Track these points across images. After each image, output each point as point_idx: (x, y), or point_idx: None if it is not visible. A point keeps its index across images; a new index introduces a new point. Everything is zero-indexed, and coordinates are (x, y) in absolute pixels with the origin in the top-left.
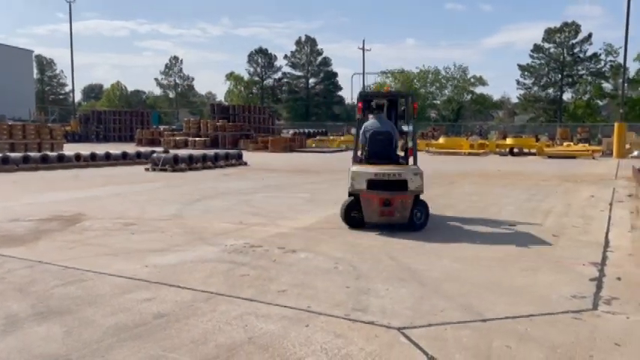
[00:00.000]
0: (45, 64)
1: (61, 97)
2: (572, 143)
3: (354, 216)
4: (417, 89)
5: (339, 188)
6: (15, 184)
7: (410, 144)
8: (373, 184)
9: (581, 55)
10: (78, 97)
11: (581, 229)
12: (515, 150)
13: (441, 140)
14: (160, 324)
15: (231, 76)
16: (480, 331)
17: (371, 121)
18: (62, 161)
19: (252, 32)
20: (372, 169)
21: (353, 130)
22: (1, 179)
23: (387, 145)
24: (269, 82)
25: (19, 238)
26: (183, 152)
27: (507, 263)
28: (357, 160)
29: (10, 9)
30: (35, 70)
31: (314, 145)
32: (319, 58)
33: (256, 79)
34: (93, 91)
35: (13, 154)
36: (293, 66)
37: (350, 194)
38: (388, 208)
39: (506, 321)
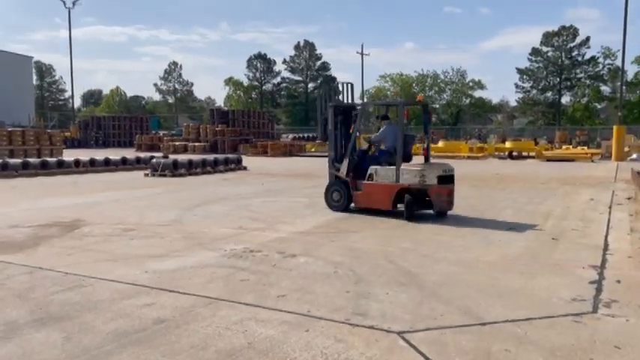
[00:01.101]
0: (44, 70)
1: (60, 102)
2: (570, 146)
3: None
4: (416, 93)
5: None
6: (14, 190)
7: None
8: (441, 179)
9: (580, 59)
10: (77, 102)
11: (581, 231)
12: (515, 153)
13: (440, 144)
14: (160, 329)
15: (230, 81)
16: (479, 335)
17: (394, 126)
18: (61, 167)
19: (250, 37)
20: (432, 167)
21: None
22: (0, 185)
23: (411, 146)
24: (268, 86)
25: (19, 244)
26: (182, 157)
27: (506, 266)
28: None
29: (9, 15)
30: (34, 76)
31: (313, 149)
32: (318, 63)
33: (255, 84)
34: (92, 97)
35: (12, 160)
36: (292, 71)
37: (335, 179)
38: (450, 198)
39: (506, 324)
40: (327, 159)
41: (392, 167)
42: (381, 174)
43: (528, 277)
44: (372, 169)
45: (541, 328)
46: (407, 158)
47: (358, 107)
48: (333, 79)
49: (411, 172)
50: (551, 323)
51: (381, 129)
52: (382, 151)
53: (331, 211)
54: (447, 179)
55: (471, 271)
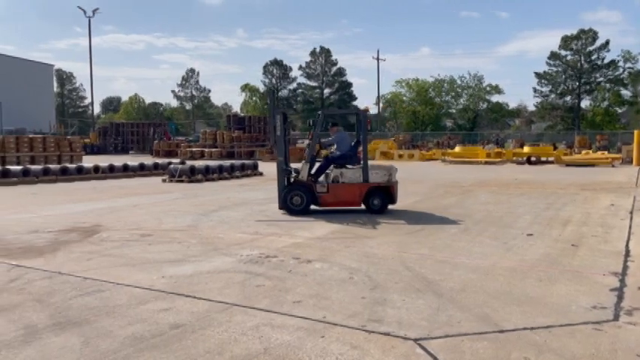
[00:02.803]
0: (65, 78)
1: (80, 109)
2: (590, 151)
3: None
4: (432, 98)
5: None
6: (35, 196)
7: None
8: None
9: (599, 62)
10: (97, 109)
11: (601, 238)
12: (533, 158)
13: (457, 149)
14: (177, 334)
15: (246, 87)
16: (497, 343)
17: (345, 133)
18: (81, 173)
19: (266, 44)
20: (392, 168)
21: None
22: (21, 191)
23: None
24: (284, 92)
25: (39, 249)
26: (199, 163)
27: (524, 273)
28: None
29: (32, 25)
30: (55, 84)
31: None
32: (334, 69)
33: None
34: (111, 104)
35: (33, 167)
36: (308, 77)
37: (293, 182)
38: (396, 192)
39: (524, 332)
40: None
41: (358, 168)
42: (348, 175)
43: (547, 284)
44: (336, 171)
45: (561, 336)
46: (357, 161)
47: (318, 114)
48: (350, 84)
49: (379, 172)
50: (572, 331)
51: (334, 135)
52: (340, 155)
53: (346, 216)
54: None
55: (488, 278)
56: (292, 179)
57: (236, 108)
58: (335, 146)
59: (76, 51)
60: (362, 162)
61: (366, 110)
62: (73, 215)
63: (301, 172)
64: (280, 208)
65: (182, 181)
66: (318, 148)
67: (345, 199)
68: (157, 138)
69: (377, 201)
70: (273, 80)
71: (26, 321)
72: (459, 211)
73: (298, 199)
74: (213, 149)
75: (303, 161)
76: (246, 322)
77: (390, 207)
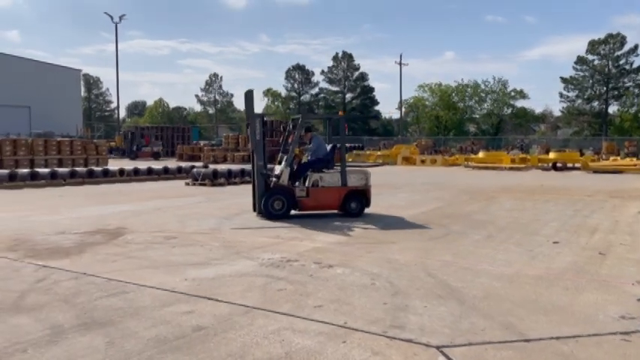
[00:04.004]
0: (92, 83)
1: (106, 113)
2: (618, 157)
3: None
4: (455, 103)
5: (375, 204)
6: (62, 198)
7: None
8: None
9: (627, 67)
10: (122, 113)
11: (630, 246)
12: (559, 164)
13: (481, 154)
14: (199, 337)
15: (268, 92)
16: (523, 352)
17: (320, 137)
18: (107, 176)
19: (289, 49)
20: (367, 172)
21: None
22: (49, 193)
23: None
24: (306, 97)
25: (65, 250)
26: (222, 167)
27: (550, 281)
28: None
29: (60, 31)
30: (82, 89)
31: (350, 159)
32: (356, 74)
33: (293, 94)
34: (136, 108)
35: (60, 169)
36: (330, 81)
37: (273, 187)
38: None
39: (551, 341)
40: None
41: (337, 172)
42: (327, 179)
43: (574, 293)
44: (315, 175)
45: (588, 346)
46: (333, 165)
47: (294, 119)
48: (372, 89)
49: (357, 176)
50: (599, 341)
51: (312, 140)
52: (317, 160)
53: (367, 221)
54: None
55: (513, 286)
56: (272, 184)
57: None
58: (316, 151)
59: (103, 56)
60: (340, 166)
61: (341, 115)
62: (98, 217)
63: (282, 176)
64: (258, 212)
65: (205, 185)
66: (297, 152)
67: (324, 203)
68: (135, 142)
69: (354, 204)
70: (295, 85)
71: (53, 321)
72: (483, 217)
73: (279, 203)
74: (236, 153)
75: (281, 165)
76: (268, 325)
77: (412, 212)
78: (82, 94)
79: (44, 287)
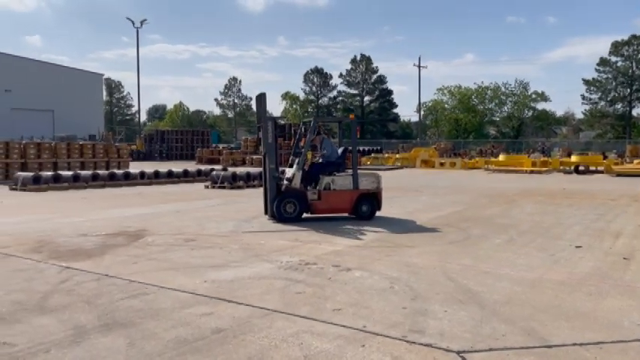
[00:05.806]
0: (113, 87)
1: (127, 117)
2: None
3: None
4: (475, 105)
5: (393, 207)
6: (84, 201)
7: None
8: None
9: None
10: (143, 117)
11: None
12: (581, 168)
13: (501, 158)
14: (218, 339)
15: (286, 95)
16: (544, 358)
17: (330, 140)
18: (128, 179)
19: (307, 52)
20: (378, 175)
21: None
22: (72, 196)
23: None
24: (324, 100)
25: (87, 252)
26: (241, 170)
27: (573, 287)
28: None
29: (83, 36)
30: (104, 93)
31: (369, 162)
32: (374, 76)
33: (312, 98)
34: (157, 112)
35: (83, 172)
36: (348, 84)
37: (285, 190)
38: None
39: (574, 348)
40: (382, 172)
41: (348, 175)
42: (339, 182)
43: (598, 299)
44: (327, 178)
45: (612, 353)
46: (344, 168)
47: (305, 122)
48: (390, 92)
49: (368, 179)
50: (624, 348)
51: (322, 143)
52: (328, 163)
53: (386, 225)
54: None
55: (535, 291)
56: (284, 187)
57: (277, 115)
58: (328, 154)
59: (123, 61)
60: (352, 169)
61: (352, 118)
62: (119, 220)
63: (293, 179)
64: (270, 216)
65: (224, 188)
66: (309, 155)
67: (336, 206)
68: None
69: (366, 207)
70: (314, 88)
71: (75, 321)
72: (504, 221)
73: (292, 206)
74: (254, 156)
75: (293, 168)
76: (287, 328)
77: (431, 215)
78: (104, 98)
79: (67, 288)
